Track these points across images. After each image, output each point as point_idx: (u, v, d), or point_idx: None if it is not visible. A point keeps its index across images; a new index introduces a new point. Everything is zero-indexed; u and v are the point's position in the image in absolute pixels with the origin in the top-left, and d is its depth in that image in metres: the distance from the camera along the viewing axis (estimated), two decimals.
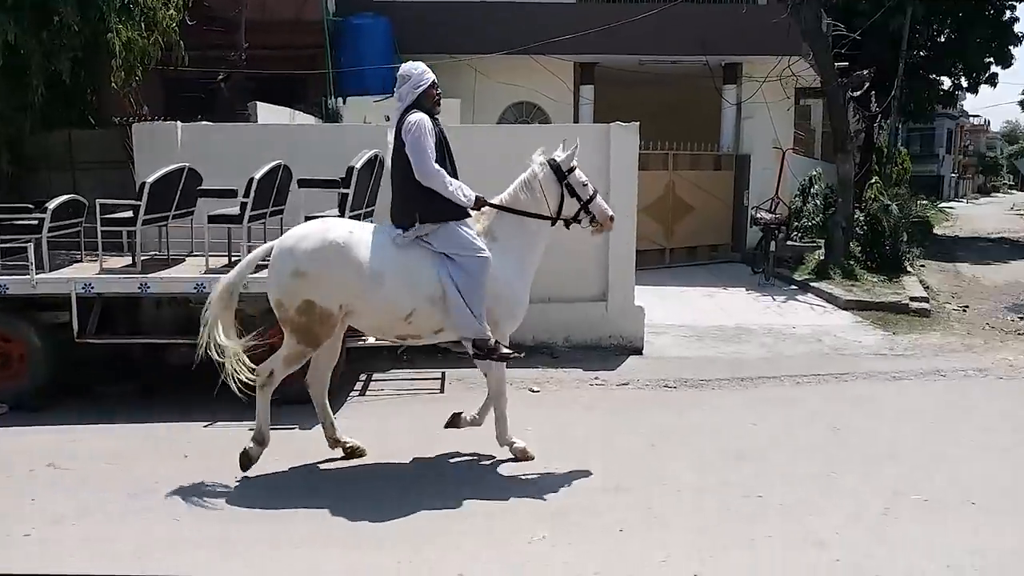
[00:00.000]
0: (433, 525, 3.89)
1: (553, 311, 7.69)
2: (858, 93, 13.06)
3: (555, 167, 4.65)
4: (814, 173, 14.80)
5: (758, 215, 12.10)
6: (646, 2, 13.59)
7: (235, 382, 4.42)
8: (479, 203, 4.56)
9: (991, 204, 50.89)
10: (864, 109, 20.54)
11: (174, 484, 4.29)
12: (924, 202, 42.04)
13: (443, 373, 6.64)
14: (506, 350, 4.54)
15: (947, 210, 38.55)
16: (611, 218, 4.80)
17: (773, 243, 11.73)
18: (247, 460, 4.46)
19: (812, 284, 11.16)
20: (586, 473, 4.55)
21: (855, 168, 14.72)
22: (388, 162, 4.65)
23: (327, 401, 4.77)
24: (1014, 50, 22.02)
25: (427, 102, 4.52)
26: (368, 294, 4.36)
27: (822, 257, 12.11)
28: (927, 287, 12.00)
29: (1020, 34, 21.59)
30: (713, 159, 14.01)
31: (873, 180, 15.97)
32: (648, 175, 13.18)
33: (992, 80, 22.93)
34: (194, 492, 4.23)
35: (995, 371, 7.08)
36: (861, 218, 12.80)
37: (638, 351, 7.70)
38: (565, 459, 4.74)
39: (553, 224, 4.76)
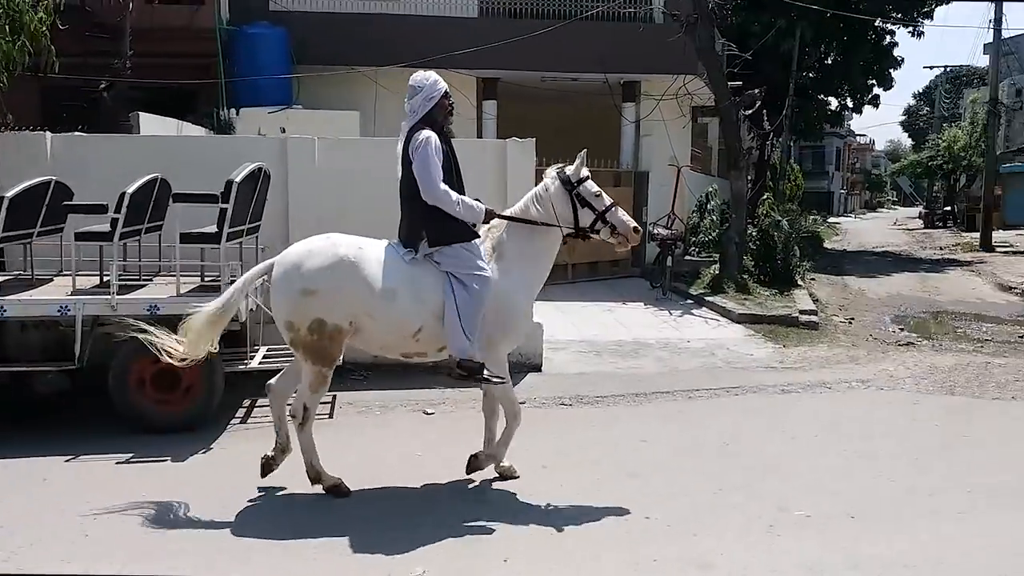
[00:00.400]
0: (307, 564, 3.67)
1: None
2: (750, 111, 13.50)
3: (564, 179, 4.54)
4: (710, 189, 15.24)
5: (655, 231, 12.34)
6: (547, 19, 13.73)
7: None
8: (489, 215, 4.47)
9: (876, 219, 53.83)
10: (758, 127, 21.35)
11: (19, 527, 3.91)
12: (815, 217, 44.14)
13: (333, 396, 6.39)
14: (488, 374, 4.37)
15: (836, 225, 40.52)
16: (635, 229, 4.60)
17: (670, 258, 11.97)
18: (337, 491, 4.38)
19: (707, 298, 11.41)
20: (474, 499, 4.42)
21: (749, 184, 15.23)
22: (398, 174, 4.51)
23: (285, 413, 4.56)
24: (894, 73, 23.37)
25: (439, 114, 4.45)
26: (379, 311, 4.27)
27: (717, 272, 12.42)
28: (816, 300, 12.46)
29: (899, 58, 22.90)
30: (613, 175, 14.19)
31: (765, 196, 16.56)
32: None
33: (875, 101, 24.25)
34: (42, 536, 3.87)
35: (876, 382, 7.34)
36: (754, 233, 13.21)
37: (537, 368, 7.64)
38: (454, 485, 4.60)
39: (572, 238, 4.68)
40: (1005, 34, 24.53)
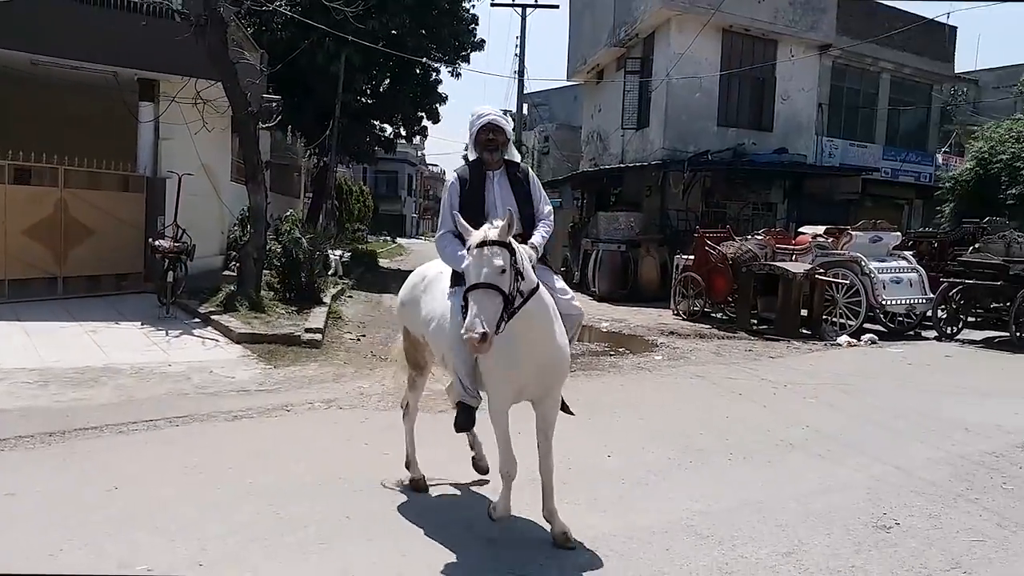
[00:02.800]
0: None
1: None
2: (269, 125, 13.11)
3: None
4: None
5: (157, 243, 11.23)
6: None
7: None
8: None
9: None
10: (311, 145, 21.34)
11: None
12: (387, 237, 46.25)
13: None
14: (462, 419, 4.23)
15: (405, 246, 42.88)
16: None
17: (171, 273, 10.99)
18: (415, 485, 4.82)
19: (214, 317, 10.66)
20: None
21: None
22: None
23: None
24: (441, 108, 25.21)
25: (479, 149, 4.41)
26: (426, 334, 4.53)
27: (234, 289, 11.76)
28: (338, 317, 12.51)
29: (444, 95, 24.79)
30: (120, 179, 12.71)
31: (288, 212, 16.49)
32: (32, 191, 11.40)
33: (424, 132, 25.95)
34: None
35: (342, 401, 7.26)
36: (278, 249, 12.84)
37: None
38: None
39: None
40: (538, 86, 28.01)
